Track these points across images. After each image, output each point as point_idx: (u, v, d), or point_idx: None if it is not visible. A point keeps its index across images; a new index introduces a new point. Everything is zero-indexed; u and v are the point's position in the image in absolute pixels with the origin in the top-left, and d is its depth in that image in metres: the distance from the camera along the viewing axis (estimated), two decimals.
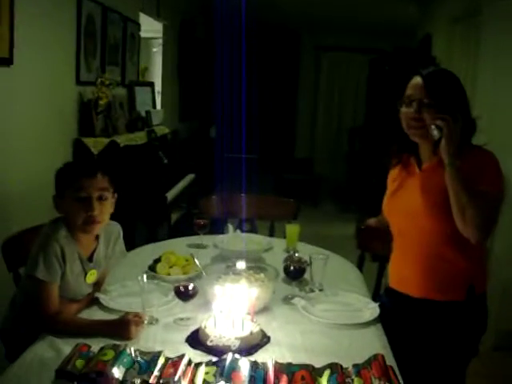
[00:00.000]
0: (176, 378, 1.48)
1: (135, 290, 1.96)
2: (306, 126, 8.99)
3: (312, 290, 2.19)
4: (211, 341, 1.67)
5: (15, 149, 3.03)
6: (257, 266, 2.17)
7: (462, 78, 1.91)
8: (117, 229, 2.08)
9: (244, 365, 1.55)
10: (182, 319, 1.90)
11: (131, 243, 2.87)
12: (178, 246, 2.66)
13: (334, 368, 1.57)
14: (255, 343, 1.72)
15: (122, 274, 2.24)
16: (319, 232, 5.40)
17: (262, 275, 2.08)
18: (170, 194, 4.37)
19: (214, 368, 1.54)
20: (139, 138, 4.50)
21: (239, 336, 1.69)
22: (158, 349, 1.68)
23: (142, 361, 1.57)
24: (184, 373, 1.52)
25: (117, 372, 1.50)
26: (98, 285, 2.05)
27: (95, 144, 3.75)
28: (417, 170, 1.94)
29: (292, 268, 2.12)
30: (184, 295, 1.88)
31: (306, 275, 2.19)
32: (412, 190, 1.93)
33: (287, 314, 1.99)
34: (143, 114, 5.03)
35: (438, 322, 1.91)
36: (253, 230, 3.20)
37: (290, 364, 1.59)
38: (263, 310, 1.98)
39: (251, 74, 5.99)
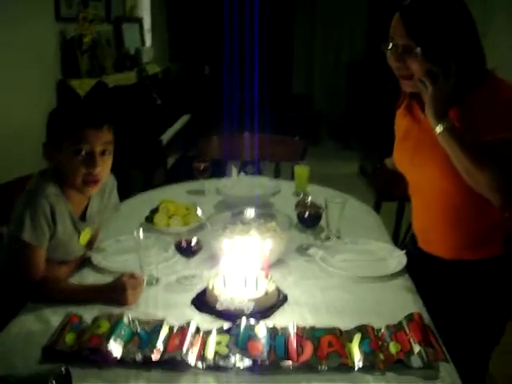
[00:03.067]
0: (184, 351, 1.27)
1: (131, 246, 1.73)
2: (303, 61, 8.59)
3: (329, 238, 1.97)
4: (221, 304, 1.46)
5: None
6: (267, 213, 1.94)
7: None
8: (111, 180, 1.83)
9: (261, 331, 1.34)
10: (186, 277, 1.68)
11: (127, 192, 2.62)
12: (176, 192, 2.42)
13: (365, 331, 1.36)
14: (271, 304, 1.50)
15: (115, 229, 2.01)
16: (321, 171, 5.14)
17: (273, 224, 1.84)
18: (165, 137, 4.10)
19: (227, 337, 1.33)
20: (129, 77, 4.20)
21: (253, 297, 1.47)
22: (160, 314, 1.47)
23: (142, 332, 1.36)
24: (192, 344, 1.31)
25: (114, 347, 1.28)
26: (90, 243, 1.82)
27: (81, 85, 3.46)
28: (421, 116, 1.59)
29: (307, 214, 1.89)
30: (187, 251, 1.65)
31: (322, 221, 1.96)
32: (418, 140, 1.62)
33: (304, 268, 1.78)
34: (132, 52, 4.69)
35: (472, 282, 1.63)
36: (257, 173, 2.95)
37: (313, 328, 1.38)
38: (277, 263, 1.76)
39: (245, 5, 5.58)
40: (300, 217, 1.92)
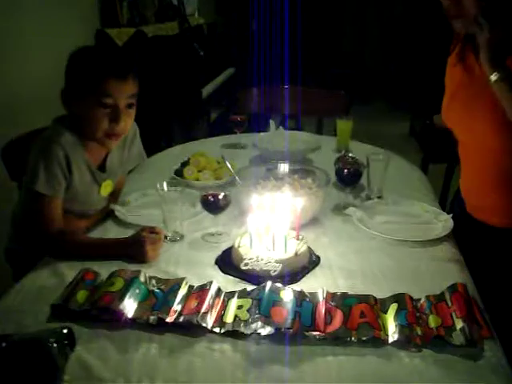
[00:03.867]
0: (200, 315, 1.16)
1: (158, 200, 1.63)
2: (354, 18, 8.22)
3: (369, 198, 1.82)
4: (246, 264, 1.34)
5: (28, 45, 2.66)
6: (303, 168, 1.79)
7: None
8: (132, 129, 1.72)
9: (287, 296, 1.22)
10: (212, 235, 1.57)
11: (167, 145, 2.51)
12: (210, 146, 2.30)
13: (402, 301, 1.22)
14: (301, 267, 1.38)
15: (143, 181, 1.91)
16: (370, 130, 4.92)
17: (309, 180, 1.70)
18: (206, 90, 3.97)
19: (249, 301, 1.22)
20: (170, 28, 4.05)
21: (281, 258, 1.34)
22: (180, 273, 1.37)
23: (158, 291, 1.26)
24: (211, 306, 1.21)
25: (127, 307, 1.19)
26: (113, 196, 1.73)
27: (119, 35, 3.34)
28: (475, 64, 1.43)
29: (346, 171, 1.74)
30: (213, 206, 1.54)
31: (362, 180, 1.80)
32: (470, 92, 1.46)
33: (340, 228, 1.64)
34: (175, 2, 4.53)
35: None
36: (298, 128, 2.79)
37: (345, 295, 1.25)
38: (310, 222, 1.63)
39: None
40: (339, 174, 1.77)
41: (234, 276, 1.36)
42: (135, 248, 1.41)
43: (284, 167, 1.74)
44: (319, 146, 2.24)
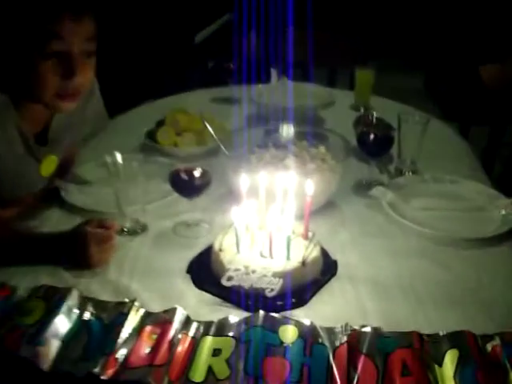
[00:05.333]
0: (152, 372, 0.74)
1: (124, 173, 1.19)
2: None
3: (400, 173, 1.38)
4: (230, 278, 0.91)
5: None
6: (314, 132, 1.34)
7: None
8: None
9: (290, 336, 0.80)
10: (187, 225, 1.14)
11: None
12: (196, 101, 1.84)
13: (464, 345, 0.79)
14: (311, 280, 0.95)
15: (106, 149, 1.45)
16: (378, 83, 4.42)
17: (322, 149, 1.25)
18: (201, 36, 3.46)
19: (231, 343, 0.79)
20: None
21: (282, 269, 0.91)
22: (135, 287, 0.95)
23: (95, 322, 0.83)
24: (171, 352, 0.78)
25: (41, 352, 0.77)
26: (61, 173, 1.29)
27: None
28: None
29: (372, 137, 1.29)
30: (186, 187, 1.10)
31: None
32: None
33: (364, 217, 1.20)
34: None
35: None
36: (306, 79, 2.31)
37: (377, 333, 0.82)
38: (323, 209, 1.19)
39: None
40: (362, 139, 1.32)
41: (212, 294, 0.94)
42: (75, 248, 0.99)
43: (288, 129, 1.29)
44: (332, 101, 1.77)
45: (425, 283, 0.97)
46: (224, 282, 0.91)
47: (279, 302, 0.90)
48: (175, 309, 0.86)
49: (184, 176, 1.08)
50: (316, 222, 1.08)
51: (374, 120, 1.40)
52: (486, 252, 1.07)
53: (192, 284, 0.97)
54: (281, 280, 0.90)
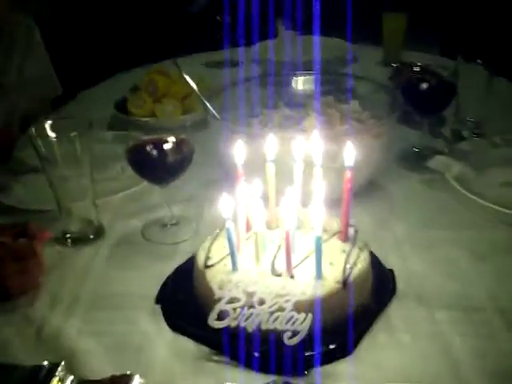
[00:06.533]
0: None
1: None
2: None
3: (461, 137, 0.99)
4: (221, 314, 0.53)
5: None
6: (338, 87, 0.95)
7: None
8: (25, 28, 0.90)
9: None
10: (164, 225, 0.76)
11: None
12: (186, 67, 1.45)
13: None
14: (358, 310, 0.57)
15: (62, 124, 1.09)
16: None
17: (356, 104, 0.87)
18: None
19: None
20: None
21: (309, 296, 0.54)
22: (70, 333, 0.58)
23: None
24: None
25: None
26: None
27: None
28: None
29: (425, 86, 0.90)
30: (154, 168, 0.72)
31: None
32: None
33: (422, 200, 0.82)
34: None
35: None
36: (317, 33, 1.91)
37: None
38: (363, 192, 0.80)
39: None
40: (409, 91, 0.92)
41: (195, 340, 0.56)
42: None
43: (306, 82, 0.91)
44: (355, 56, 1.39)
45: None
46: (212, 322, 0.54)
47: (307, 354, 0.52)
48: (129, 377, 0.49)
49: (149, 151, 0.70)
50: (354, 211, 0.70)
51: (420, 69, 1.01)
52: None
53: (163, 322, 0.60)
54: (309, 316, 0.52)
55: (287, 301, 0.53)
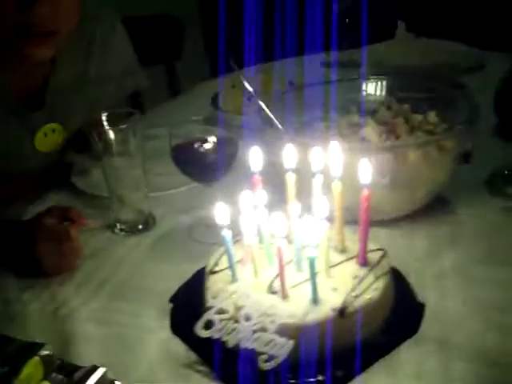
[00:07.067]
0: None
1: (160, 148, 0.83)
2: None
3: None
4: (208, 324, 0.52)
5: None
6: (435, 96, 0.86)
7: None
8: (104, 22, 0.94)
9: None
10: (210, 226, 0.75)
11: None
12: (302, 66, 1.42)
13: None
14: (360, 342, 0.52)
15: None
16: None
17: (432, 116, 0.78)
18: None
19: None
20: None
21: (296, 320, 0.50)
22: (80, 316, 0.60)
23: None
24: None
25: None
26: (78, 143, 0.97)
27: None
28: None
29: None
30: (192, 166, 0.72)
31: None
32: None
33: (497, 230, 0.72)
34: None
35: None
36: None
37: None
38: (429, 212, 0.73)
39: None
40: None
41: (187, 345, 0.55)
42: (23, 246, 0.67)
43: (381, 85, 0.84)
44: (481, 64, 1.26)
45: None
46: (198, 330, 0.52)
47: (291, 382, 0.49)
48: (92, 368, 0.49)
49: (188, 151, 0.70)
50: (405, 233, 0.64)
51: None
52: None
53: (167, 321, 0.59)
54: (290, 342, 0.48)
55: (272, 322, 0.50)
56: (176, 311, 0.60)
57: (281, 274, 0.52)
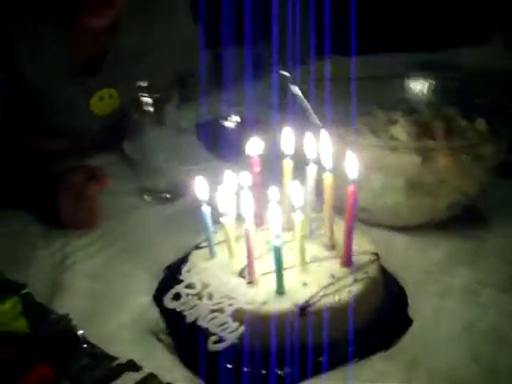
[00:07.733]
0: None
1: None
2: None
3: None
4: (175, 296, 0.52)
5: None
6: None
7: None
8: None
9: None
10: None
11: None
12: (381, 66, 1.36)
13: None
14: (305, 345, 0.49)
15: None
16: None
17: (481, 123, 0.72)
18: None
19: None
20: None
21: (252, 307, 0.49)
22: (78, 271, 0.64)
23: None
24: None
25: None
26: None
27: None
28: None
29: None
30: (217, 142, 0.72)
31: None
32: None
33: None
34: None
35: None
36: None
37: None
38: (456, 223, 0.68)
39: None
40: None
41: (161, 314, 0.56)
42: (47, 198, 0.72)
43: (425, 83, 0.78)
44: None
45: None
46: (166, 301, 0.53)
47: (229, 366, 0.48)
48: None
49: (214, 126, 0.70)
50: (426, 241, 0.60)
51: None
52: None
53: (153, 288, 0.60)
54: (241, 328, 0.47)
55: (230, 305, 0.49)
56: (163, 280, 0.61)
57: (248, 259, 0.51)
